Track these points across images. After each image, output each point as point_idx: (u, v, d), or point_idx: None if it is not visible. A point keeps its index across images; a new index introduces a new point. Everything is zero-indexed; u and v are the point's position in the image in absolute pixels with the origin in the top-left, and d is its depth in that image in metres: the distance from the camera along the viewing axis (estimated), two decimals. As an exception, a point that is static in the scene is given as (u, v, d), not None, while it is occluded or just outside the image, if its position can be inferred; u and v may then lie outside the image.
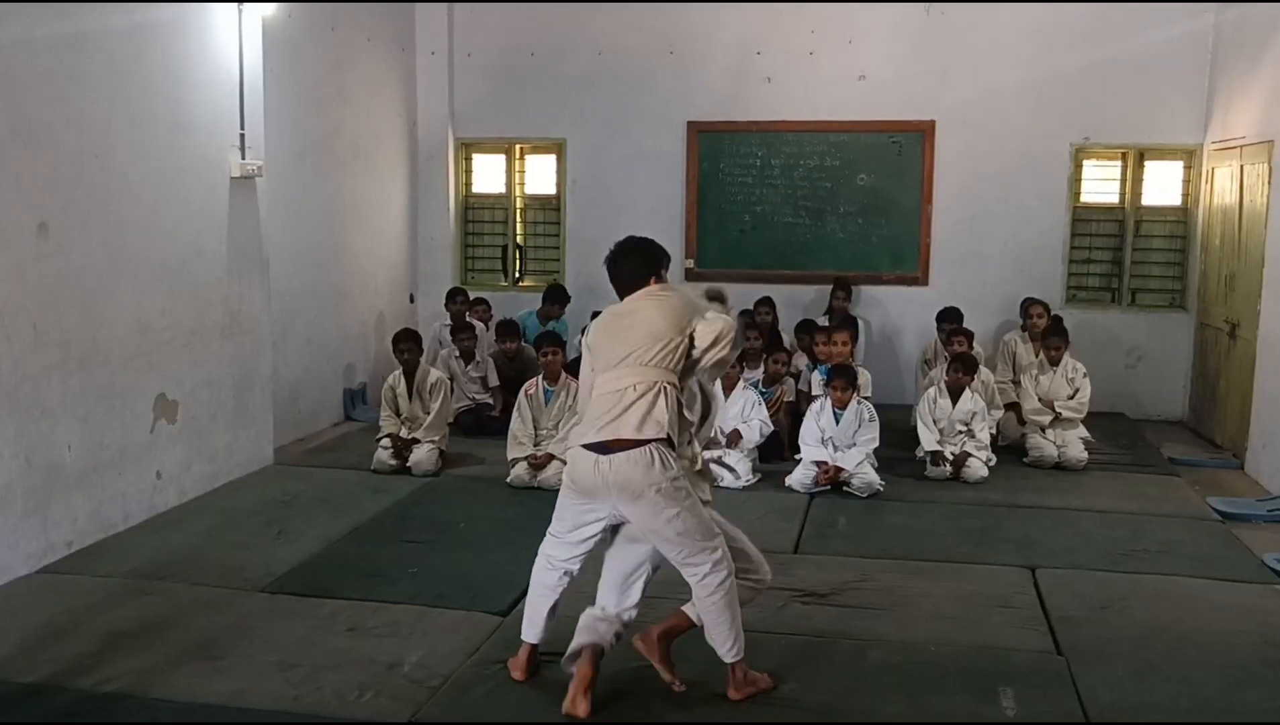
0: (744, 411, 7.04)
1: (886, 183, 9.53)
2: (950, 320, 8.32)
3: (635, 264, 3.96)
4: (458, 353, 8.36)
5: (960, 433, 7.22)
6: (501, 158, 10.21)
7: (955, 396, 7.27)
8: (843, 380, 6.90)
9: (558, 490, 3.93)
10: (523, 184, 10.28)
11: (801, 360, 8.43)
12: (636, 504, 3.73)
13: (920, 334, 9.21)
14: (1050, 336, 7.89)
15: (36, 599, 4.80)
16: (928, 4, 9.22)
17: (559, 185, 10.04)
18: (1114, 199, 9.40)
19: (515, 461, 6.83)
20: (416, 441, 7.12)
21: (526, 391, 7.02)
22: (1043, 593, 5.04)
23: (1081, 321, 9.08)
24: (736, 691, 3.94)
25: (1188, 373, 9.23)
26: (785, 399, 7.71)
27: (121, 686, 3.98)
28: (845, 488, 6.71)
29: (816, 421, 6.93)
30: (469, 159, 10.28)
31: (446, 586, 4.98)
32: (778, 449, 7.42)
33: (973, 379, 7.34)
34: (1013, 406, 7.97)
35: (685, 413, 3.85)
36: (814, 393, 7.65)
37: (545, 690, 4.02)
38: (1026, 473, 7.32)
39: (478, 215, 10.37)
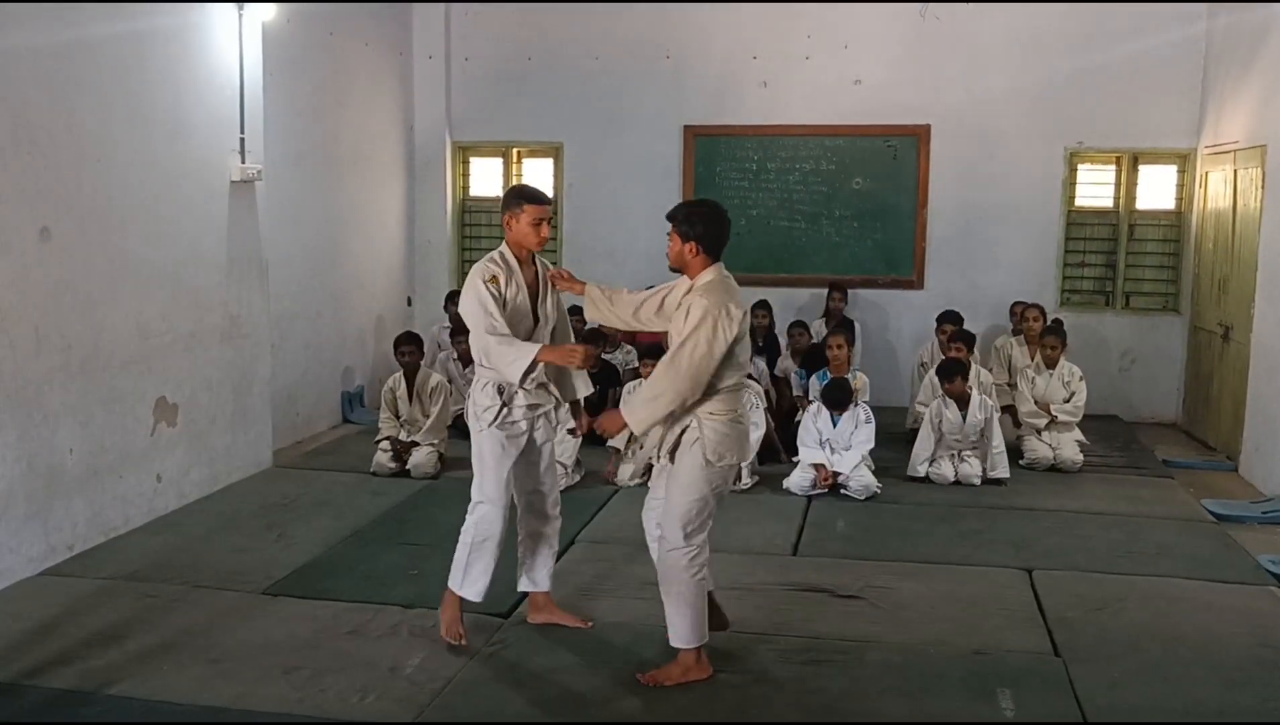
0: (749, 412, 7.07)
1: (882, 187, 9.56)
2: (950, 322, 8.34)
3: None
4: (455, 356, 8.37)
5: (974, 443, 7.12)
6: (499, 161, 10.24)
7: (963, 406, 7.12)
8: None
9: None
10: (520, 187, 10.30)
11: (788, 363, 8.45)
12: None
13: (916, 337, 9.26)
14: (1047, 335, 7.92)
15: (38, 601, 4.81)
16: (924, 5, 9.25)
17: (556, 189, 10.05)
18: (1108, 203, 9.45)
19: (514, 464, 6.83)
20: (416, 444, 7.13)
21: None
22: (1039, 594, 5.08)
23: (1076, 324, 9.10)
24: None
25: (1181, 375, 9.28)
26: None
27: (124, 689, 3.99)
28: (843, 490, 6.73)
29: (814, 423, 6.95)
30: (466, 162, 10.31)
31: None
32: (775, 452, 7.44)
33: (966, 381, 7.24)
34: (1008, 409, 7.99)
35: None
36: (810, 397, 7.66)
37: (548, 693, 4.04)
38: (1022, 475, 7.33)
39: (475, 218, 10.39)
